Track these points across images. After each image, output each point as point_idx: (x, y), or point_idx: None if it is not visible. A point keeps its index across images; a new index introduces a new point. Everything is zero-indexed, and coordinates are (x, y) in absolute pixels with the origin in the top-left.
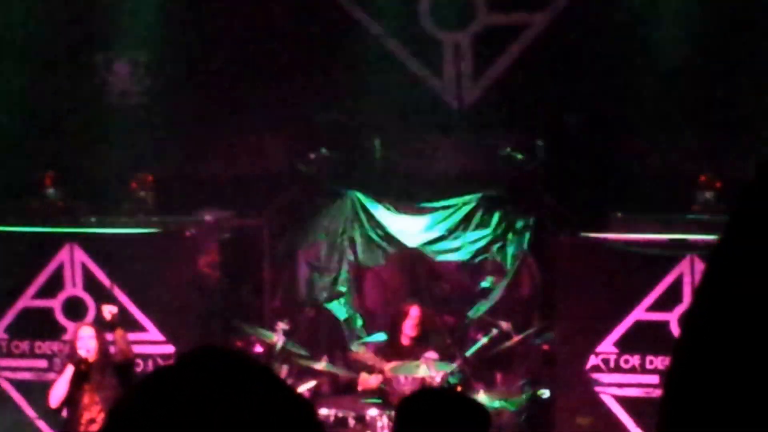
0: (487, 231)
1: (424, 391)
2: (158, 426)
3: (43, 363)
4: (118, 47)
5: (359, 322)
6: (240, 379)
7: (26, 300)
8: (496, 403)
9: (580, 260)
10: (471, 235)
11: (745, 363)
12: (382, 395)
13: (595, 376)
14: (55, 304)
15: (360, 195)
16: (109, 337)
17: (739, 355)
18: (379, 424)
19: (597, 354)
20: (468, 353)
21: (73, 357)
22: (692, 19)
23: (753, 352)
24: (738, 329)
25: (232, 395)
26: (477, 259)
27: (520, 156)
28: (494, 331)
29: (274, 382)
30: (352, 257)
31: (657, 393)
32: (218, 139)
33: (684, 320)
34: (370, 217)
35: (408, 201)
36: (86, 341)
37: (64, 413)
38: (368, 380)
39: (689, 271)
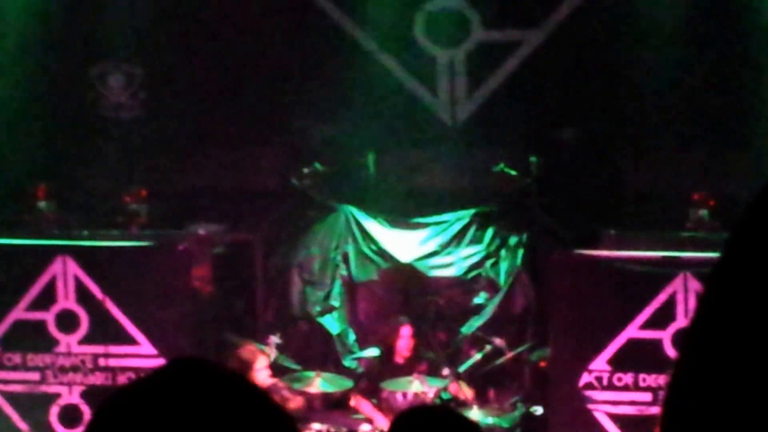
0: (481, 247)
1: (417, 407)
2: None
3: (35, 375)
4: (112, 60)
5: (352, 337)
6: (217, 391)
7: (19, 312)
8: (489, 420)
9: (574, 277)
10: (464, 250)
11: (745, 383)
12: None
13: (588, 393)
14: (48, 316)
15: (353, 210)
16: None
17: (739, 375)
18: None
19: (590, 371)
20: (461, 369)
21: None
22: (687, 38)
23: (753, 373)
24: (737, 350)
25: (209, 407)
26: (470, 275)
27: (513, 172)
28: (487, 348)
29: (252, 394)
30: (345, 272)
31: (650, 411)
32: (212, 152)
33: (682, 340)
34: (364, 232)
35: (401, 216)
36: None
37: None
38: (361, 404)
39: (682, 289)
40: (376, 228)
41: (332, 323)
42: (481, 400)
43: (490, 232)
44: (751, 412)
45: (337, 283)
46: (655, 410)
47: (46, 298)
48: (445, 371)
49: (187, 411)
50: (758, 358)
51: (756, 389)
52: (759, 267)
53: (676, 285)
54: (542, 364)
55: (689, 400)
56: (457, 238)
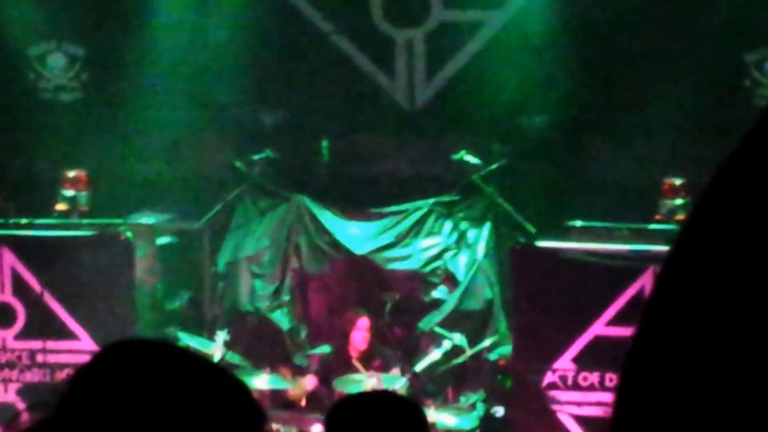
0: (440, 238)
1: (355, 395)
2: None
3: None
4: (53, 40)
5: (303, 333)
6: (172, 363)
7: None
8: (448, 421)
9: (537, 271)
10: (422, 242)
11: (699, 373)
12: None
13: (552, 393)
14: None
15: (306, 199)
16: None
17: (694, 366)
18: None
19: (554, 370)
20: (418, 367)
21: None
22: (655, 24)
23: (707, 364)
24: (691, 341)
25: (161, 379)
26: (428, 268)
27: (475, 160)
28: (446, 344)
29: (208, 368)
30: (296, 264)
31: None
32: (158, 138)
33: (635, 331)
34: (317, 222)
35: (356, 206)
36: None
37: None
38: (296, 390)
39: (652, 284)
40: (330, 218)
41: (282, 319)
42: (439, 400)
43: (449, 223)
44: (704, 405)
45: (288, 277)
46: None
47: None
48: (397, 370)
49: (139, 384)
50: (711, 350)
51: (710, 379)
52: (713, 254)
53: (645, 279)
54: (504, 362)
55: (641, 396)
56: (415, 229)
